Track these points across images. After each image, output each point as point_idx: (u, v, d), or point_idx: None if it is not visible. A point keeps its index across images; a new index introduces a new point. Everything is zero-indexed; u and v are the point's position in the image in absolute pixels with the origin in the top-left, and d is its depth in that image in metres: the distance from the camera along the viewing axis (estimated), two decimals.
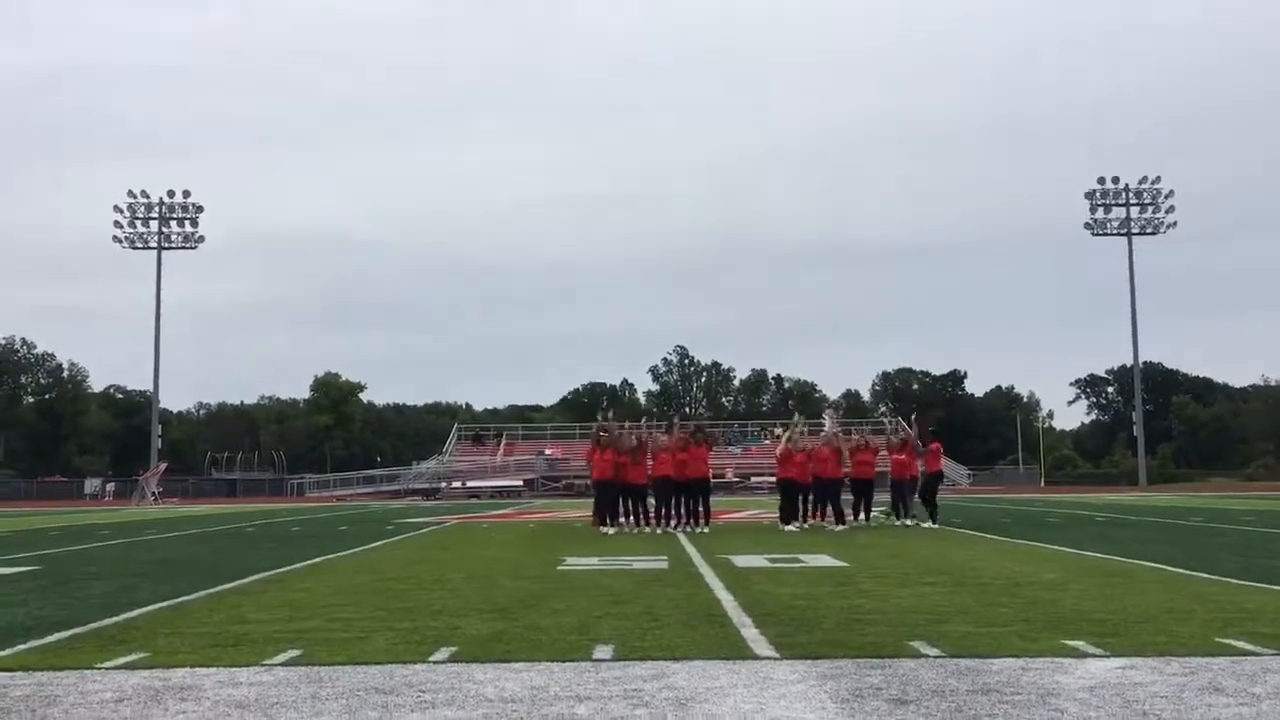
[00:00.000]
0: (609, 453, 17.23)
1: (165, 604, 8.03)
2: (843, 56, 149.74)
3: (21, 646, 6.13)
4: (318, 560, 12.24)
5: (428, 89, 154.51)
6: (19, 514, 34.61)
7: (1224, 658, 5.34)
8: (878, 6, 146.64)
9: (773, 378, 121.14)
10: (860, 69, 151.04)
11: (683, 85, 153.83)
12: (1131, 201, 65.07)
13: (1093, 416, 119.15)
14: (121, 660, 5.59)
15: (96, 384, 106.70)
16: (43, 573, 11.15)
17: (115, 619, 7.21)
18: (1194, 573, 9.42)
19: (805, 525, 17.09)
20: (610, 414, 18.76)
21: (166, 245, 65.38)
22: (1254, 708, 4.29)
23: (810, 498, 17.62)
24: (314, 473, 71.77)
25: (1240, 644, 5.67)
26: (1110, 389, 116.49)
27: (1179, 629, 6.21)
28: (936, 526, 16.85)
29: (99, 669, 5.39)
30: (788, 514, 17.08)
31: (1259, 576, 9.00)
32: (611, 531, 16.74)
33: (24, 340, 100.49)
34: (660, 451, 17.12)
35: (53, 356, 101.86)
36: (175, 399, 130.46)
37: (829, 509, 17.36)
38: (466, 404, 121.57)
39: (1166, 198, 64.98)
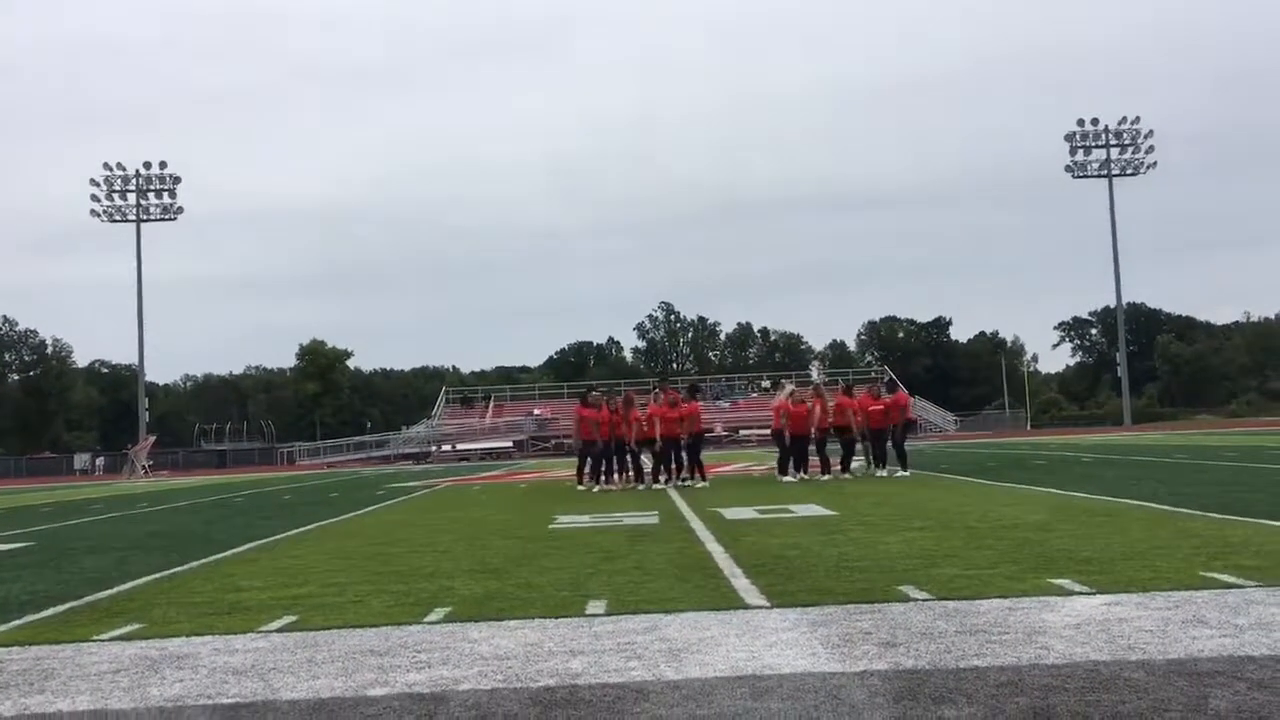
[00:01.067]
0: (598, 411, 17.26)
1: (159, 575, 8.06)
2: (822, 8, 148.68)
3: (17, 621, 6.16)
4: (310, 527, 12.28)
5: (403, 49, 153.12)
6: (10, 491, 34.57)
7: (1207, 591, 5.42)
8: None
9: (759, 331, 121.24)
10: (838, 19, 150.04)
11: (666, 37, 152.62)
12: (1111, 143, 65.05)
13: (1077, 359, 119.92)
14: (117, 632, 5.62)
15: (81, 359, 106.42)
16: (36, 548, 11.17)
17: (110, 592, 7.24)
18: (1178, 509, 9.53)
19: (804, 476, 17.17)
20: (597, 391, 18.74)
21: (145, 218, 64.92)
22: (1237, 639, 4.37)
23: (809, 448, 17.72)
24: (303, 441, 71.77)
25: (1224, 577, 5.76)
26: (1094, 331, 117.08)
27: (1163, 565, 6.30)
28: (908, 474, 16.92)
29: (95, 641, 5.42)
30: (784, 465, 17.23)
31: (1241, 511, 9.11)
32: (595, 489, 16.83)
33: (6, 318, 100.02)
34: (653, 410, 17.18)
35: (36, 333, 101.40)
36: (161, 372, 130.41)
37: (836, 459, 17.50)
38: (454, 367, 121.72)
39: (1146, 138, 65.02)
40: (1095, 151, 65.29)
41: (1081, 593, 5.54)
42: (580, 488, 17.09)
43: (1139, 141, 65.01)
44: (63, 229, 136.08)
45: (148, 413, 66.66)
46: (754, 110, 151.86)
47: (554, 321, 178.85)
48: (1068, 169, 65.72)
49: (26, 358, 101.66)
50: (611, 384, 52.09)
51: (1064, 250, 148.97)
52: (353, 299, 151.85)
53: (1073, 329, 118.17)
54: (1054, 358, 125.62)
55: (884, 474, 16.98)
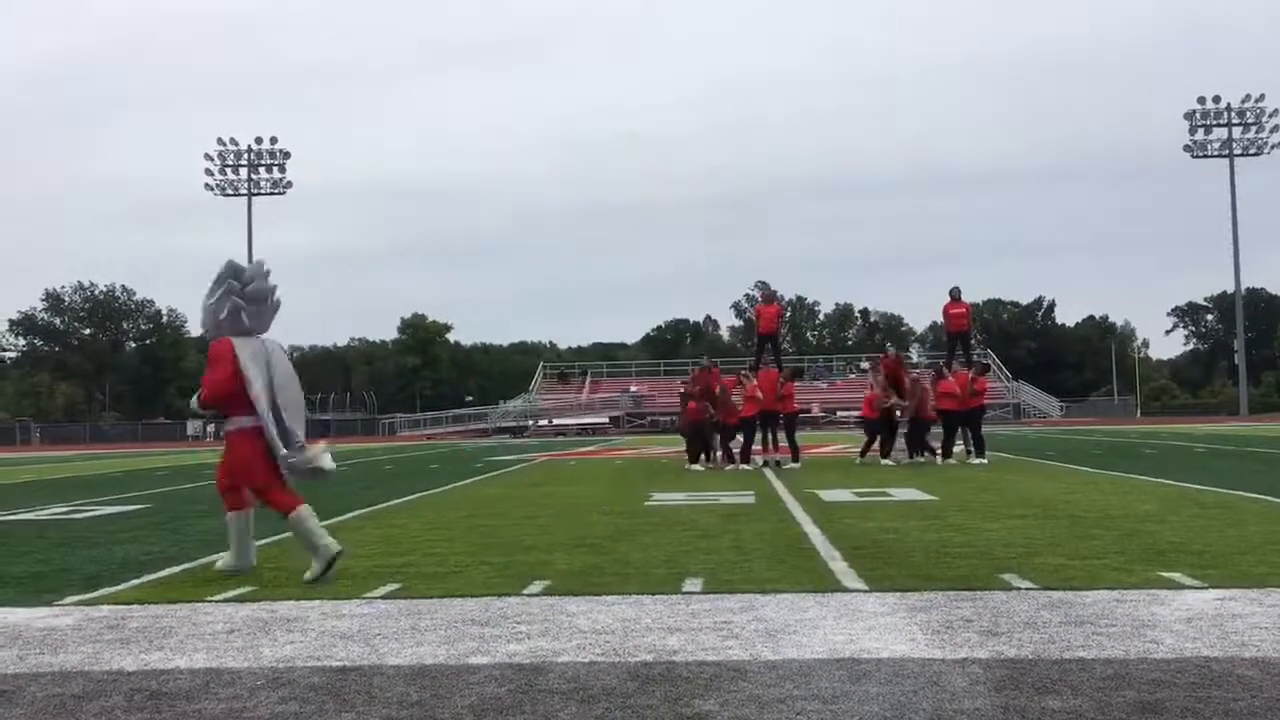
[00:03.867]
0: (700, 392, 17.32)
1: (268, 540, 8.30)
2: None
3: (136, 581, 6.43)
4: (411, 497, 12.54)
5: (506, 26, 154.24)
6: (127, 455, 35.98)
7: None
8: None
9: (859, 311, 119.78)
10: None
11: (758, 13, 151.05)
12: (1234, 121, 62.52)
13: (1191, 346, 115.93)
14: (231, 594, 5.83)
15: (195, 329, 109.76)
16: (153, 511, 11.61)
17: (224, 554, 7.48)
18: None
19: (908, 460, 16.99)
20: (707, 360, 18.71)
21: (256, 192, 66.69)
22: None
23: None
24: (404, 412, 73.22)
25: None
26: (1210, 317, 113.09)
27: None
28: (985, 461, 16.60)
29: (210, 602, 5.62)
30: (885, 448, 17.14)
31: None
32: (699, 469, 16.85)
33: (124, 287, 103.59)
34: (751, 390, 17.12)
35: (152, 303, 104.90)
36: None
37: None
38: (551, 343, 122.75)
39: (1271, 116, 62.31)
40: (1216, 130, 62.90)
41: (1193, 587, 5.38)
42: (696, 468, 17.06)
43: (1263, 120, 62.37)
44: (178, 201, 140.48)
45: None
46: (857, 86, 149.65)
47: (651, 299, 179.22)
48: (1187, 148, 63.40)
49: (144, 326, 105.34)
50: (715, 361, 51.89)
51: (1179, 233, 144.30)
52: (454, 273, 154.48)
53: (1187, 314, 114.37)
54: (1167, 344, 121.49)
55: (983, 462, 16.66)
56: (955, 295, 19.13)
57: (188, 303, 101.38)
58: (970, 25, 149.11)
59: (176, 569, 6.88)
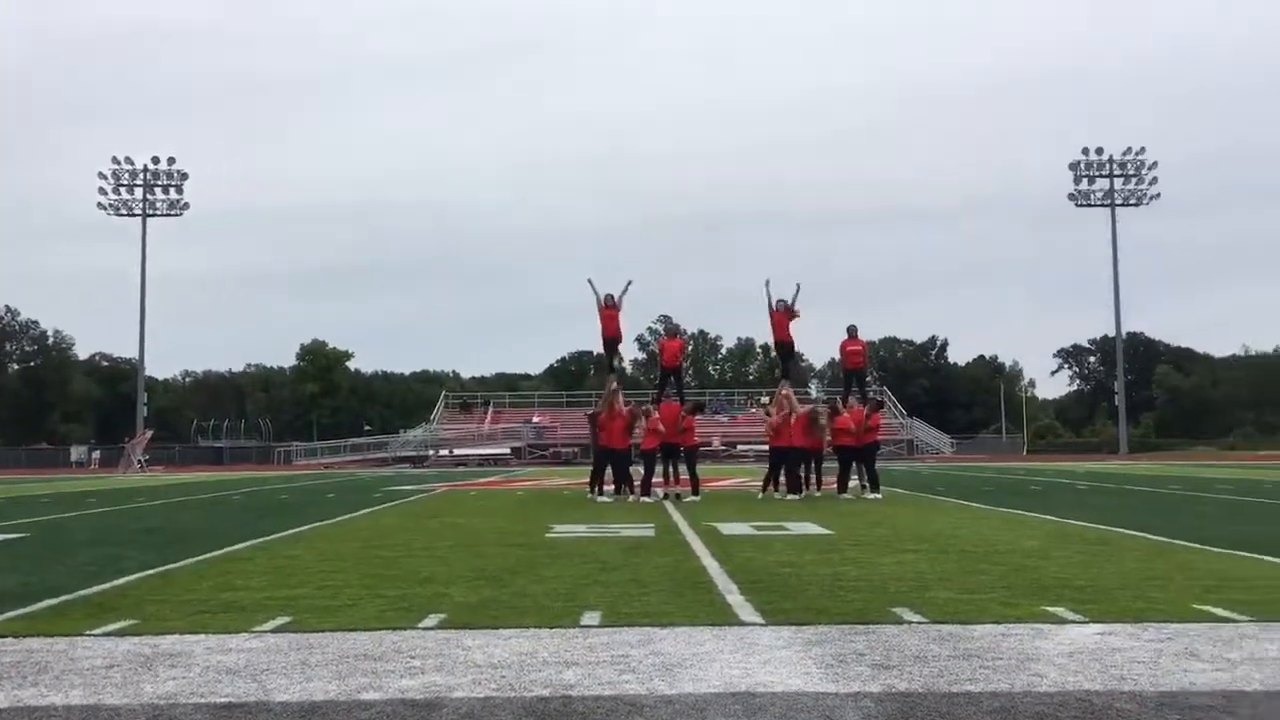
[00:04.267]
0: (614, 419, 17.31)
1: (154, 571, 8.06)
2: (824, 19, 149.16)
3: (11, 613, 6.16)
4: (305, 528, 12.28)
5: (409, 51, 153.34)
6: (7, 481, 34.53)
7: (1201, 624, 5.43)
8: None
9: (760, 346, 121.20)
10: (843, 32, 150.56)
11: (657, 48, 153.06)
12: (1115, 173, 65.12)
13: (1075, 386, 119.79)
14: (111, 627, 5.63)
15: (82, 351, 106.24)
16: (32, 540, 11.17)
17: (104, 586, 7.24)
18: (1173, 540, 9.54)
19: (798, 495, 17.15)
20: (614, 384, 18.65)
21: (151, 212, 64.94)
22: (1229, 673, 4.38)
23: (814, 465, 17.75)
24: (301, 440, 71.72)
25: (1217, 610, 5.77)
26: (1093, 359, 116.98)
27: (1157, 596, 6.31)
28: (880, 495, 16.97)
29: (89, 636, 5.42)
30: (790, 483, 17.24)
31: (1237, 544, 9.11)
32: (603, 499, 16.85)
33: (8, 307, 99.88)
34: (652, 422, 17.18)
35: (37, 324, 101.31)
36: (161, 367, 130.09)
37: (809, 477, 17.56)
38: (454, 372, 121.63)
39: (1150, 169, 65.08)
40: (1099, 180, 65.42)
41: (1075, 621, 5.55)
42: (598, 498, 17.04)
43: (1142, 172, 65.07)
44: (69, 221, 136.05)
45: (146, 407, 66.62)
46: (750, 122, 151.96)
47: (556, 330, 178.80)
48: (1071, 197, 65.81)
49: (27, 348, 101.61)
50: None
51: (1066, 277, 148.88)
52: (357, 300, 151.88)
53: (1072, 356, 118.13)
54: (1052, 384, 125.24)
55: (878, 496, 16.94)
56: (852, 333, 19.53)
57: (76, 325, 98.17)
58: (868, 64, 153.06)
59: (54, 600, 6.61)
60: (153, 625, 5.68)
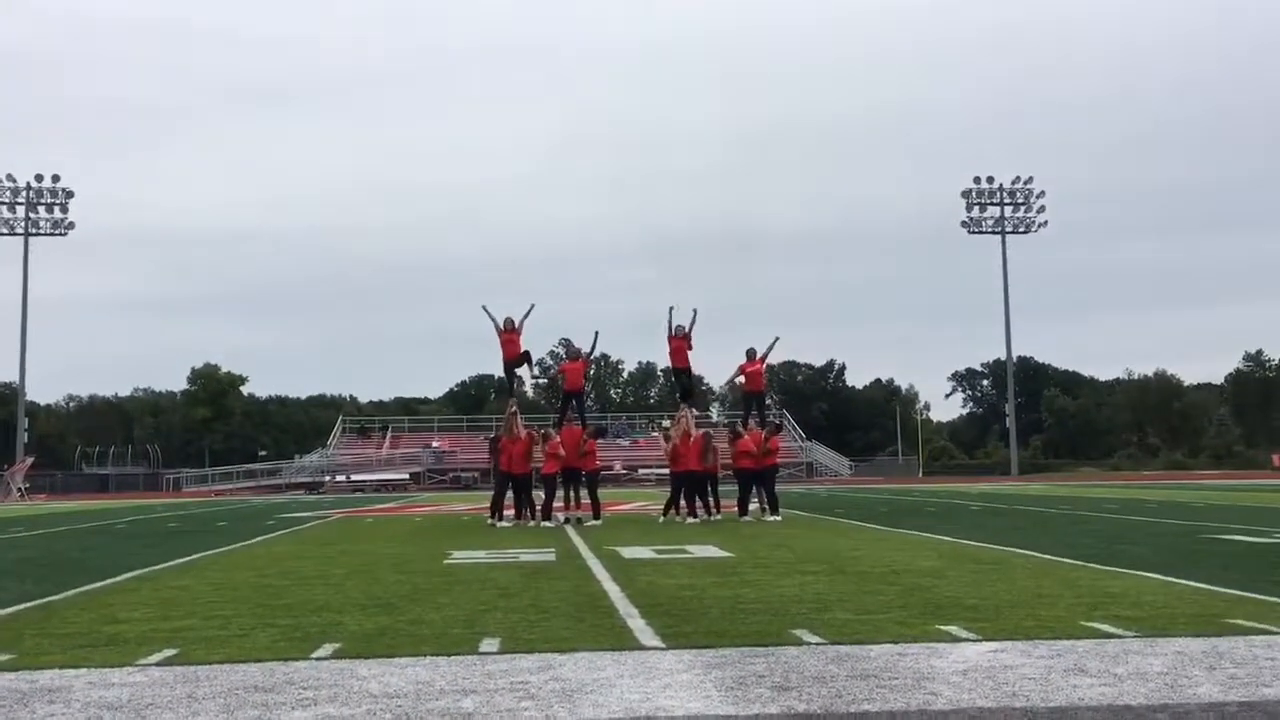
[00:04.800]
0: (514, 443, 17.23)
1: (32, 604, 7.73)
2: (722, 52, 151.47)
3: None
4: (194, 557, 11.91)
5: (302, 69, 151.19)
6: None
7: (1089, 640, 5.58)
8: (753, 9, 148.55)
9: (661, 370, 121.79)
10: (741, 58, 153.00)
11: (554, 74, 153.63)
12: (1005, 201, 67.18)
13: (968, 409, 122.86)
14: None
15: None
16: None
17: None
18: (1061, 559, 9.80)
19: (710, 517, 17.23)
20: (514, 408, 18.52)
21: (34, 231, 62.67)
22: (1116, 688, 4.50)
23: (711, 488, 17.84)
24: (192, 467, 69.71)
25: (1104, 627, 5.93)
26: (985, 382, 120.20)
27: (1047, 613, 6.47)
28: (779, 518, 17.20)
29: None
30: (689, 507, 17.33)
31: (1122, 562, 9.41)
32: (504, 525, 16.71)
33: None
34: (553, 446, 17.10)
35: None
36: (43, 392, 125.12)
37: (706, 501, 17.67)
38: (351, 396, 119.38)
39: (1038, 198, 67.30)
40: (990, 209, 67.40)
41: (969, 639, 5.65)
42: (498, 523, 16.90)
43: (1031, 201, 67.24)
44: None
45: (27, 433, 64.05)
46: (651, 147, 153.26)
47: (455, 353, 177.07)
48: (963, 224, 67.69)
49: None
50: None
51: (959, 302, 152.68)
52: (250, 324, 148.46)
53: (965, 379, 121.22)
54: (946, 407, 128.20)
55: (777, 519, 17.11)
56: (751, 356, 19.73)
57: None
58: (764, 94, 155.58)
59: None
60: (30, 659, 5.44)
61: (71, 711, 4.34)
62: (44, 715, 4.28)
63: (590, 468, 17.65)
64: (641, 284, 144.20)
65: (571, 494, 17.42)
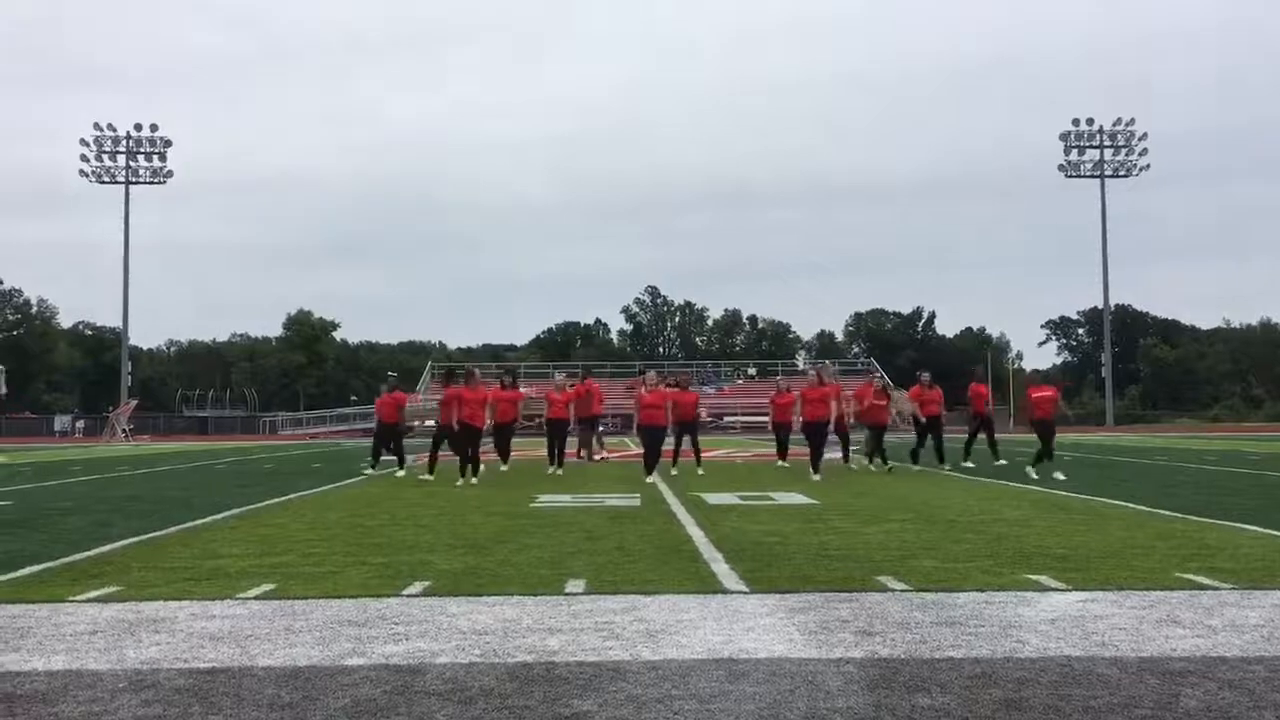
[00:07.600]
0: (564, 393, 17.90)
1: (138, 539, 8.04)
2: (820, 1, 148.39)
3: None
4: (290, 497, 12.26)
5: (398, 25, 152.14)
6: None
7: (1182, 591, 5.46)
8: None
9: (747, 318, 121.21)
10: (835, 10, 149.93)
11: (658, 23, 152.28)
12: (1105, 144, 65.07)
13: (1063, 358, 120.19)
14: (94, 593, 5.61)
15: (65, 320, 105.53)
16: (15, 508, 11.12)
17: (88, 553, 7.22)
18: (1156, 510, 9.59)
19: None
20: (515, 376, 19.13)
21: (134, 180, 64.39)
22: (1209, 639, 4.40)
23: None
24: (286, 410, 71.56)
25: (1199, 579, 5.80)
26: (1080, 331, 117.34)
27: (1140, 564, 6.34)
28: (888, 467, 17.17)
29: (72, 602, 5.40)
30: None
31: (1218, 514, 9.18)
32: (554, 471, 17.21)
33: None
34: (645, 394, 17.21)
35: (20, 292, 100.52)
36: (145, 336, 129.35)
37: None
38: (440, 342, 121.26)
39: (1140, 140, 65.05)
40: (1089, 152, 65.37)
41: (1057, 589, 5.57)
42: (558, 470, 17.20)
43: (1132, 143, 65.02)
44: (51, 189, 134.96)
45: (130, 376, 66.32)
46: (751, 97, 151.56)
47: (544, 301, 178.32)
48: (1061, 168, 65.80)
49: (10, 317, 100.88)
50: (596, 365, 52.00)
51: (1054, 249, 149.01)
52: (344, 270, 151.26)
53: (1059, 328, 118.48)
54: (1040, 355, 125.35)
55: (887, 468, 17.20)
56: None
57: (59, 293, 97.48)
58: (862, 42, 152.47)
59: (37, 567, 6.59)
60: (136, 592, 5.67)
61: (175, 641, 4.52)
62: (149, 644, 4.46)
63: (690, 418, 17.92)
64: (728, 232, 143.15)
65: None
